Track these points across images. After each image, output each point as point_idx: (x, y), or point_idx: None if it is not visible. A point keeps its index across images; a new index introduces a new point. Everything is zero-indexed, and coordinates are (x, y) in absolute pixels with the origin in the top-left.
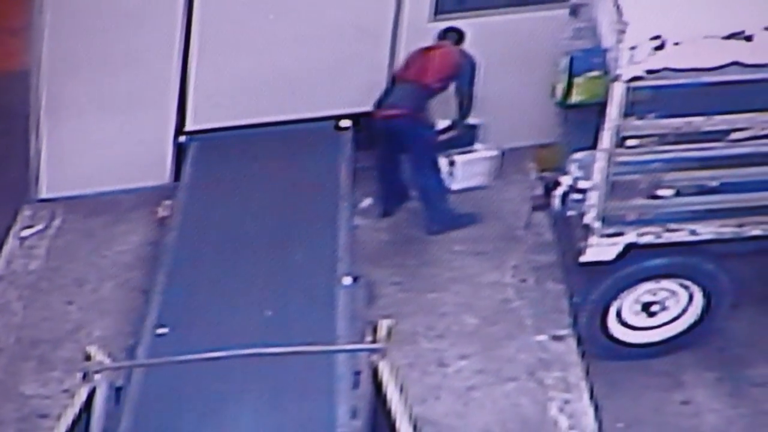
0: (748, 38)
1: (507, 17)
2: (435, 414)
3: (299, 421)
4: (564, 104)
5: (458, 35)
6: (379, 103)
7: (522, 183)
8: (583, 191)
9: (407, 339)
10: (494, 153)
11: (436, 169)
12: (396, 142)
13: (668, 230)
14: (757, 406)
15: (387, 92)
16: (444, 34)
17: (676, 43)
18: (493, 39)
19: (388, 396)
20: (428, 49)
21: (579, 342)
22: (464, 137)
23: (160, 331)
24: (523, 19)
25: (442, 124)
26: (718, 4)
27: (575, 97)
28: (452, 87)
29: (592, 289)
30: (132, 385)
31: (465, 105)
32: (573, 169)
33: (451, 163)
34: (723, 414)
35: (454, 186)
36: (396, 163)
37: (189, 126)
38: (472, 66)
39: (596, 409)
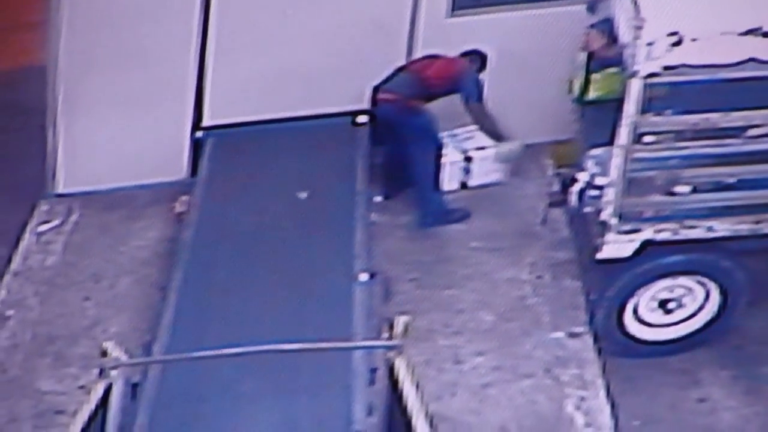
0: (766, 34)
1: (524, 13)
2: (451, 411)
3: (315, 417)
4: (581, 100)
5: (480, 58)
6: (377, 88)
7: (539, 179)
8: (600, 188)
9: (423, 336)
10: None
11: (429, 160)
12: (390, 128)
13: (685, 227)
14: None
15: (387, 79)
16: (465, 55)
17: (694, 40)
18: (510, 35)
19: (405, 393)
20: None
21: (595, 339)
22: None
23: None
24: (540, 15)
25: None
26: (736, 1)
27: (592, 94)
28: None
29: (608, 286)
30: (148, 382)
31: (483, 124)
32: (590, 165)
33: (468, 159)
34: (739, 412)
35: (471, 182)
36: (397, 147)
37: (206, 121)
38: (476, 82)
39: (612, 406)
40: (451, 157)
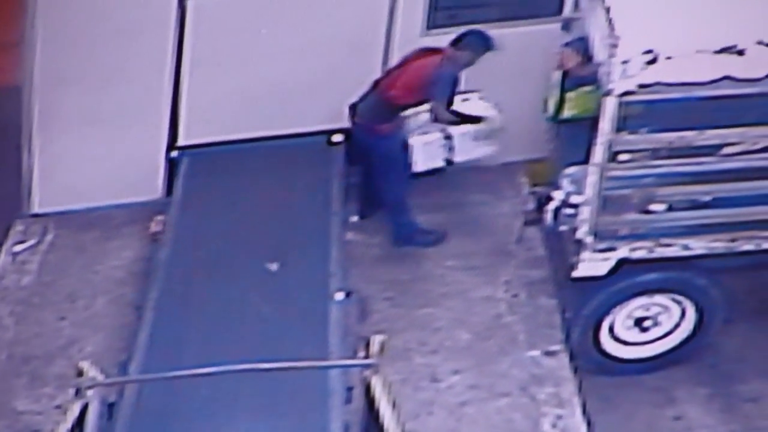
0: (740, 52)
1: (499, 31)
2: (427, 429)
3: None
4: (556, 119)
5: (483, 40)
6: (353, 108)
7: (514, 198)
8: (575, 206)
9: (400, 354)
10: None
11: (397, 183)
12: (362, 148)
13: (661, 245)
14: (748, 422)
15: (363, 97)
16: (462, 37)
17: (669, 58)
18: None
19: (381, 411)
20: (415, 56)
21: (571, 357)
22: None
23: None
24: (515, 34)
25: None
26: (711, 18)
27: (567, 112)
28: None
29: (584, 305)
30: (124, 401)
31: (439, 117)
32: (565, 183)
33: (448, 138)
34: (715, 430)
35: (457, 158)
36: (370, 167)
37: (181, 141)
38: (453, 80)
39: (589, 424)
40: (427, 137)
